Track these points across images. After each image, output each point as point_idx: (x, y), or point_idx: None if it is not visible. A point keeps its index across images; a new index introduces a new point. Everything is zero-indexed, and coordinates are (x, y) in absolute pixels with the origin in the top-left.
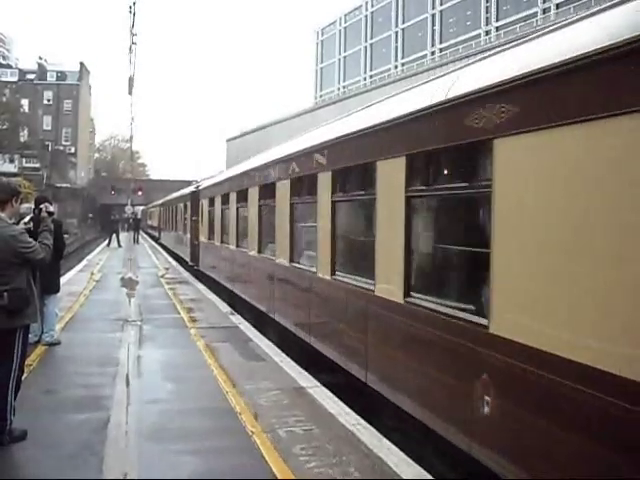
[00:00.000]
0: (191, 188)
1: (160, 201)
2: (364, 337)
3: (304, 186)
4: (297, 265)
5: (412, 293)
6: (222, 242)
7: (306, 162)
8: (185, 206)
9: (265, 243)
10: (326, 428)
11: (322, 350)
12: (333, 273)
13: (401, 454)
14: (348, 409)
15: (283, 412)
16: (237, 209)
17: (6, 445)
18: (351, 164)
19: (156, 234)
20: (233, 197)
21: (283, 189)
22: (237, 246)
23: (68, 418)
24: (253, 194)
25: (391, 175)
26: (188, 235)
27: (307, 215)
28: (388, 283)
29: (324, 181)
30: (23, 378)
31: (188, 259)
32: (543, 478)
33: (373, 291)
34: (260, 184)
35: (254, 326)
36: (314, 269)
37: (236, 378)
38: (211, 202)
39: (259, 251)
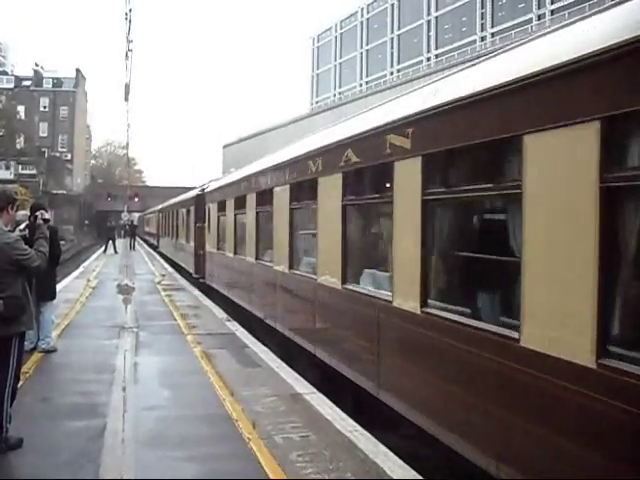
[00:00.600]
0: (196, 191)
1: (159, 206)
2: (487, 404)
3: (366, 181)
4: (354, 288)
5: (612, 349)
6: (236, 253)
7: (372, 148)
8: (188, 211)
9: (299, 257)
10: (323, 434)
11: (397, 408)
12: (424, 304)
13: (398, 460)
14: (344, 415)
15: (280, 419)
16: (257, 214)
17: (2, 453)
18: (464, 143)
19: (154, 242)
20: (252, 200)
21: (330, 187)
22: (257, 259)
23: (65, 425)
24: (281, 195)
25: (560, 155)
26: (191, 244)
27: (371, 220)
28: (555, 326)
29: (407, 172)
30: (19, 386)
31: (192, 270)
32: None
33: (517, 340)
34: (292, 182)
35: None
36: (387, 296)
37: (233, 385)
38: (221, 206)
39: (291, 267)
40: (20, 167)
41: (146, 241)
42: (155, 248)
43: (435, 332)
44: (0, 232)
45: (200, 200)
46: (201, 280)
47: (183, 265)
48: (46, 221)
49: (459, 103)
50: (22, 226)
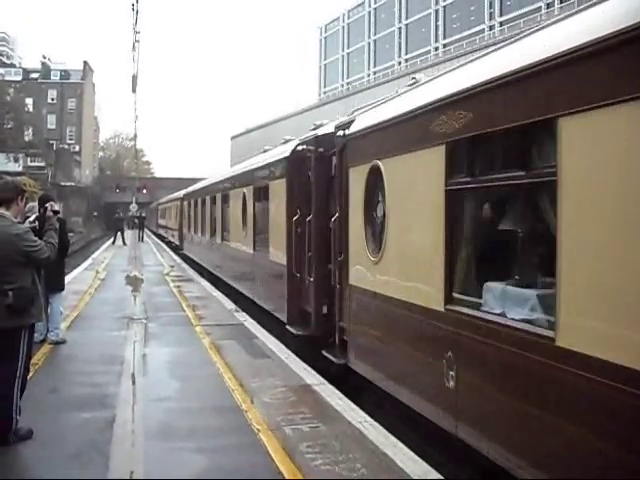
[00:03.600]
0: (290, 145)
1: (182, 192)
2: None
3: None
4: None
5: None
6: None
7: None
8: (263, 190)
9: None
10: (332, 425)
11: None
12: None
13: (408, 451)
14: (354, 406)
15: (289, 410)
16: None
17: (12, 444)
18: None
19: (175, 240)
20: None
21: None
22: None
23: (74, 417)
24: None
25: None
26: (273, 257)
27: None
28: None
29: None
30: (29, 377)
31: (280, 315)
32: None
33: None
34: None
35: None
36: None
37: (242, 376)
38: (475, 160)
39: None
40: (29, 159)
41: (162, 238)
42: (178, 250)
43: None
44: (9, 223)
45: (304, 164)
46: (343, 363)
47: (248, 294)
48: (56, 213)
49: None
50: (32, 218)
